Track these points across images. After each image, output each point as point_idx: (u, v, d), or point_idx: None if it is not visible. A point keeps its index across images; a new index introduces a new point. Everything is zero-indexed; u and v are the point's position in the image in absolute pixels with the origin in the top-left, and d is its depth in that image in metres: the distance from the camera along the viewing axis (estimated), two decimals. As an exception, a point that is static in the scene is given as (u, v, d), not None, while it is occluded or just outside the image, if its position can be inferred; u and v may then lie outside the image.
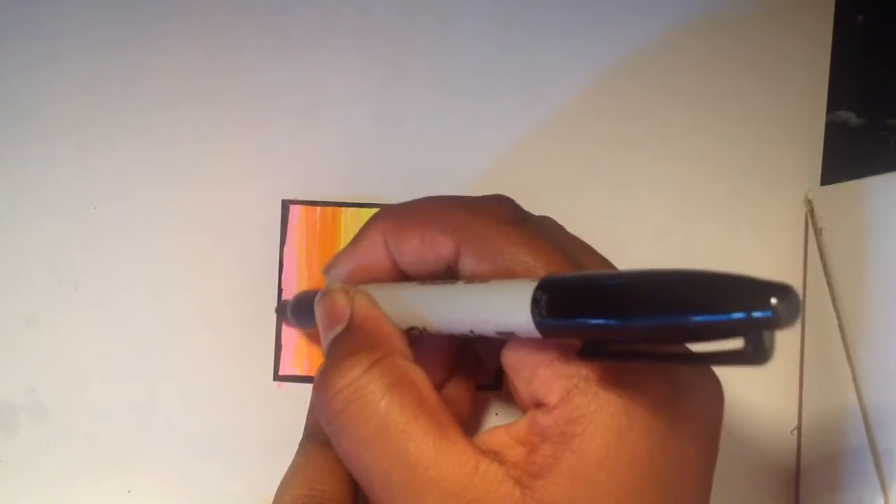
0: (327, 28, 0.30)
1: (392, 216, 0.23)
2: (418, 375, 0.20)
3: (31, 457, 0.29)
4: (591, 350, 0.17)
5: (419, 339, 0.22)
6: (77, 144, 0.30)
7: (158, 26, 0.30)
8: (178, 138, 0.30)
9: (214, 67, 0.30)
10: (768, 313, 0.14)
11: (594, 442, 0.18)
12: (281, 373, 0.29)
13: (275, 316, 0.29)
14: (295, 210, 0.30)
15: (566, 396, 0.19)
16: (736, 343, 0.15)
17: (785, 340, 0.30)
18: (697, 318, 0.15)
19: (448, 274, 0.22)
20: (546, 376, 0.19)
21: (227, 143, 0.30)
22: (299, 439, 0.27)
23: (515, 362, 0.20)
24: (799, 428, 0.29)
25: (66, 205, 0.29)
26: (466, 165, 0.30)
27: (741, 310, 0.14)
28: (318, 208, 0.30)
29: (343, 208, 0.30)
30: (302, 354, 0.29)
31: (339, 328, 0.22)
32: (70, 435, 0.29)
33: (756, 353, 0.14)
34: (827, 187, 0.30)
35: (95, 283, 0.29)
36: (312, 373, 0.29)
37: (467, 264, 0.21)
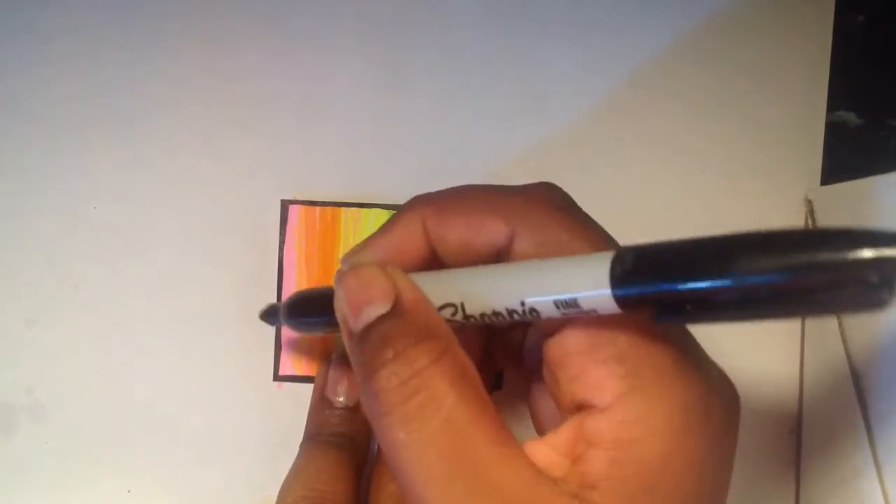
0: (327, 29, 0.30)
1: (432, 202, 0.21)
2: (474, 372, 0.19)
3: (31, 457, 0.29)
4: (671, 312, 0.16)
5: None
6: (77, 144, 0.30)
7: (159, 27, 0.30)
8: (178, 138, 0.30)
9: (214, 68, 0.30)
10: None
11: (654, 447, 0.17)
12: (281, 373, 0.29)
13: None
14: (295, 210, 0.30)
15: (619, 398, 0.17)
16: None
17: (785, 340, 0.30)
18: (822, 258, 0.13)
19: (496, 261, 0.20)
20: (597, 375, 0.18)
21: (227, 143, 0.30)
22: (299, 439, 0.27)
23: (561, 356, 0.19)
24: (799, 428, 0.29)
25: (66, 205, 0.29)
26: (466, 165, 0.30)
27: (869, 246, 0.13)
28: (318, 208, 0.30)
29: (343, 208, 0.30)
30: (302, 354, 0.29)
31: (378, 308, 0.19)
32: (70, 435, 0.29)
33: (882, 289, 0.13)
34: (827, 187, 0.30)
35: (95, 283, 0.29)
36: (312, 373, 0.29)
37: (526, 247, 0.20)
